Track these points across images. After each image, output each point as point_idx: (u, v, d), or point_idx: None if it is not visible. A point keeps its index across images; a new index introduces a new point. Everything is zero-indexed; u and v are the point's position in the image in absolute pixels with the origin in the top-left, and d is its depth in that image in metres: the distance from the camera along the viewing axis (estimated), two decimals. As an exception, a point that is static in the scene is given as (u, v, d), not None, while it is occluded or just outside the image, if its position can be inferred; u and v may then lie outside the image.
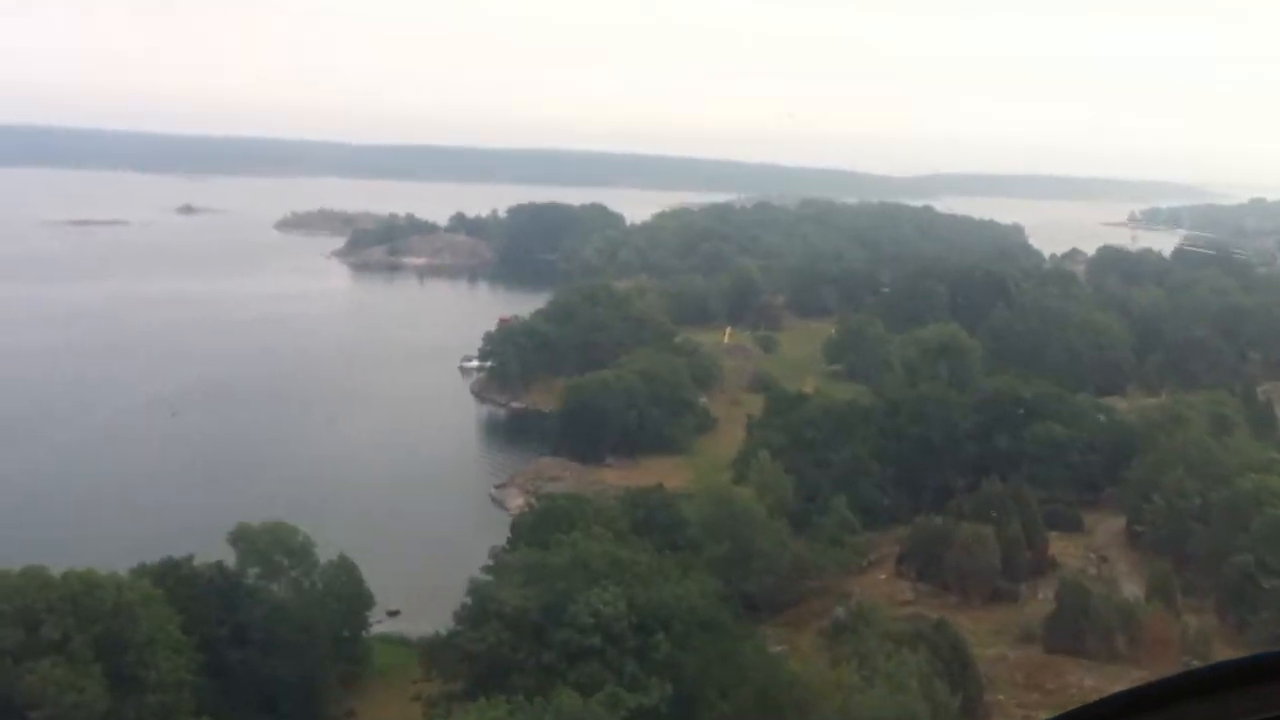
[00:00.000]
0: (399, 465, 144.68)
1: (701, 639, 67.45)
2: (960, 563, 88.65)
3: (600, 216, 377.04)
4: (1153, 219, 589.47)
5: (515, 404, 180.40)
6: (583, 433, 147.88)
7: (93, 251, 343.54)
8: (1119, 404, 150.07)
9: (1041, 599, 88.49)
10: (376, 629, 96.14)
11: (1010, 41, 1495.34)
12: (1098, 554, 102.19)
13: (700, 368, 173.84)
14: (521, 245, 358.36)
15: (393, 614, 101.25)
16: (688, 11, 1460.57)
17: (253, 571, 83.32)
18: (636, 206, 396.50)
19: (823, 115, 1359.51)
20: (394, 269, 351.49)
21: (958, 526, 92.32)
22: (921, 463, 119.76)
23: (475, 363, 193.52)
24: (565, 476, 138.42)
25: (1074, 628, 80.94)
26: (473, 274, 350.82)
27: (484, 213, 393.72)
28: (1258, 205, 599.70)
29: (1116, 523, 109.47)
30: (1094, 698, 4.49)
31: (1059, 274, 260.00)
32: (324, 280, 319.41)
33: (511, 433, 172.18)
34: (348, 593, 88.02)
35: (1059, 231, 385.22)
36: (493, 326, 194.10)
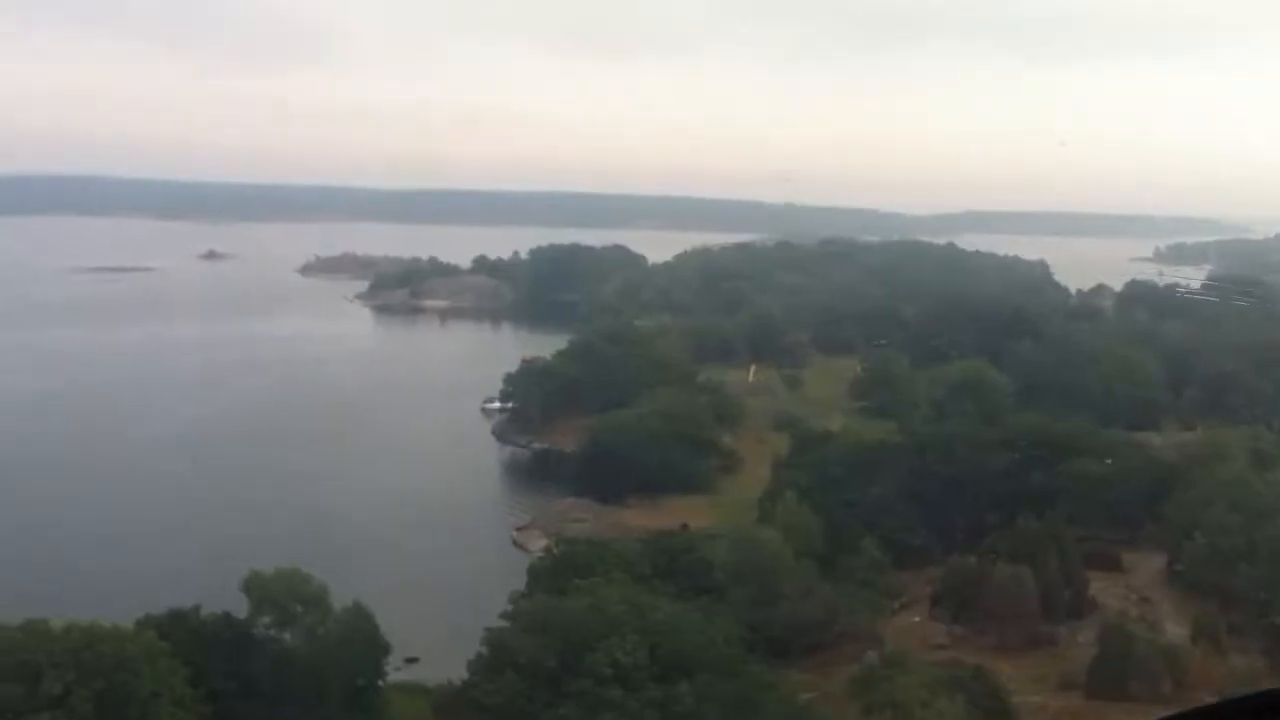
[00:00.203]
0: (419, 507, 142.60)
1: (726, 689, 64.30)
2: (997, 605, 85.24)
3: (622, 257, 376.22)
4: (1179, 254, 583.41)
5: (537, 444, 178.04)
6: (604, 473, 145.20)
7: (119, 298, 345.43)
8: (1152, 439, 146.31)
9: (1082, 642, 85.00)
10: (394, 677, 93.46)
11: (1029, 78, 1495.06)
12: (1138, 594, 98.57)
13: (723, 406, 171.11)
14: (543, 286, 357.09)
15: (411, 661, 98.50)
16: (707, 54, 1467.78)
17: (265, 620, 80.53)
18: (658, 247, 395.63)
19: (843, 155, 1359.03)
20: (416, 311, 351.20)
21: (993, 567, 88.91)
22: (952, 501, 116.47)
23: (497, 404, 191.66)
24: (587, 518, 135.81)
25: (1117, 673, 77.49)
26: (494, 316, 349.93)
27: (506, 255, 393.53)
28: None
29: (1156, 561, 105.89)
30: None
31: (1087, 309, 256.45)
32: (346, 323, 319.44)
33: (533, 474, 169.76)
34: (363, 640, 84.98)
35: (1084, 267, 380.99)
36: (514, 368, 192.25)
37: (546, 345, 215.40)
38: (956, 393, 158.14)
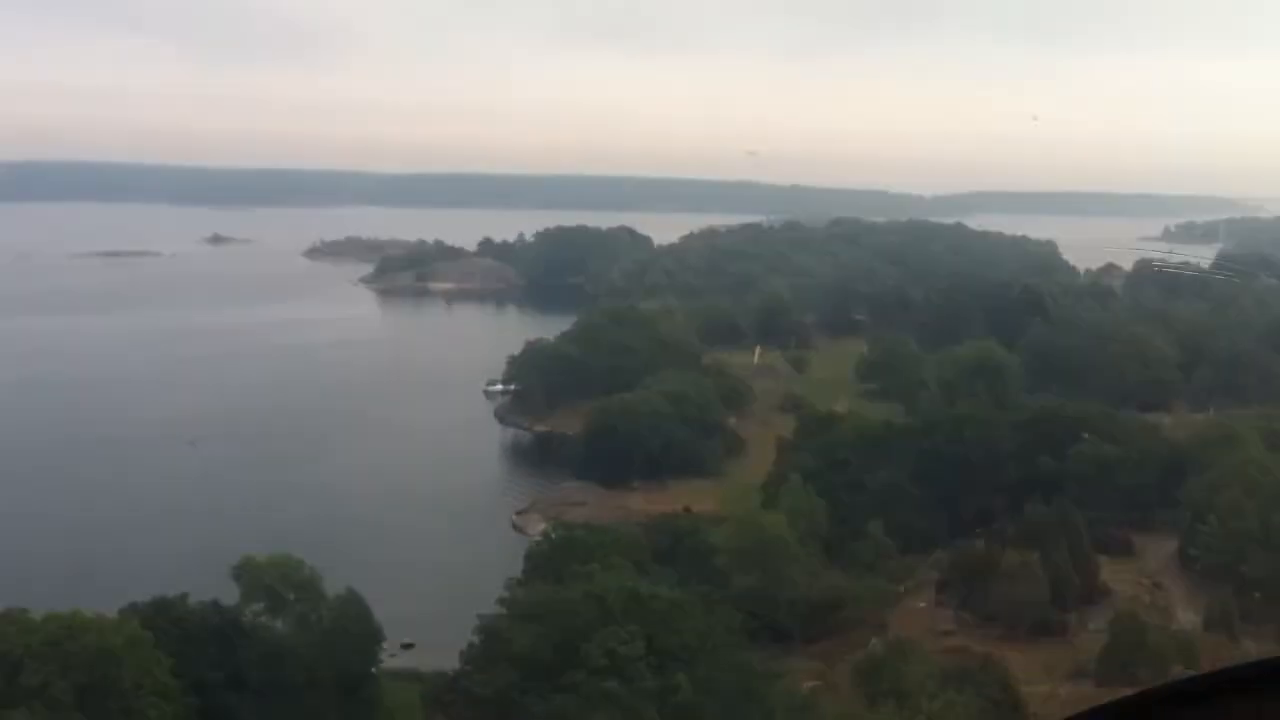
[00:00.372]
0: (419, 491, 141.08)
1: (726, 680, 62.20)
2: (1006, 592, 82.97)
3: (628, 239, 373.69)
4: (1188, 233, 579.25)
5: (539, 427, 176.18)
6: (607, 456, 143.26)
7: (120, 283, 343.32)
8: (1164, 421, 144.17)
9: (1092, 630, 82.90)
10: (390, 663, 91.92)
11: (1037, 59, 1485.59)
12: (1150, 580, 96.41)
13: (729, 389, 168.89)
14: (549, 269, 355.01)
15: (407, 646, 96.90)
16: (714, 38, 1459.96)
17: (256, 607, 78.72)
18: (665, 230, 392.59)
19: (852, 136, 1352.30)
20: (421, 294, 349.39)
21: (1002, 553, 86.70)
22: (960, 485, 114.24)
23: (499, 386, 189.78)
24: (589, 501, 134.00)
25: (1129, 661, 75.28)
26: (500, 298, 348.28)
27: (512, 238, 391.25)
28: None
29: (1168, 546, 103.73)
30: None
31: (1097, 289, 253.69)
32: (350, 306, 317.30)
33: (535, 457, 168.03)
34: (356, 627, 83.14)
35: (1093, 247, 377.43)
36: (518, 350, 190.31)
37: (552, 327, 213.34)
38: (966, 374, 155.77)
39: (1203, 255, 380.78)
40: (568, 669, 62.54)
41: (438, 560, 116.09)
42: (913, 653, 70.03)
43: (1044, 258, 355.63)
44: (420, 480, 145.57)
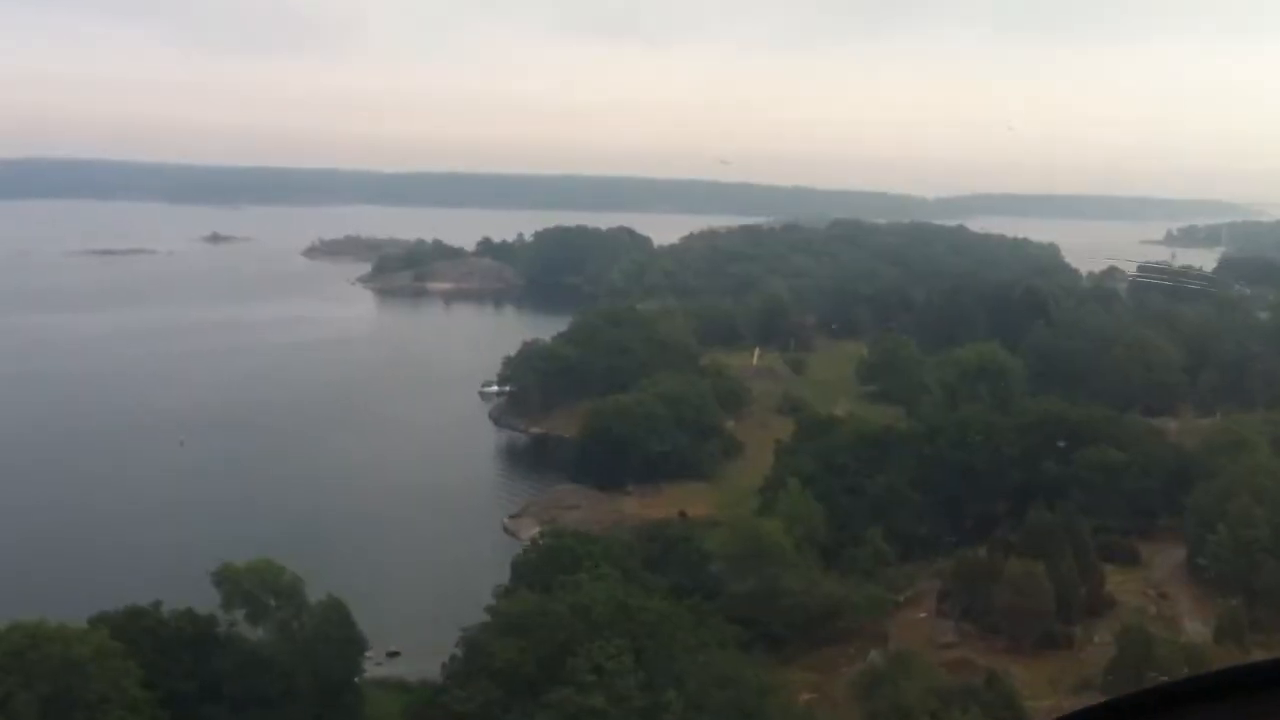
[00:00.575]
0: (411, 493, 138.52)
1: (719, 696, 59.45)
2: (1010, 602, 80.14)
3: (627, 240, 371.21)
4: (1190, 237, 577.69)
5: (535, 429, 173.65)
6: (603, 459, 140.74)
7: (114, 281, 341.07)
8: (1169, 425, 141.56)
9: (1098, 642, 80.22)
10: (375, 671, 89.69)
11: (1040, 61, 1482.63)
12: (1157, 590, 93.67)
13: (727, 390, 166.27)
14: (548, 269, 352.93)
15: (392, 655, 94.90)
16: (715, 38, 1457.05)
17: (230, 615, 76.15)
18: (665, 230, 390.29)
19: (852, 138, 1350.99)
20: (419, 294, 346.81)
21: (1005, 561, 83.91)
22: (962, 490, 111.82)
23: (494, 387, 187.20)
24: (582, 505, 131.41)
25: (1136, 674, 72.62)
26: (498, 298, 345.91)
27: (511, 238, 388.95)
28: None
29: (1175, 554, 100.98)
30: None
31: (1101, 291, 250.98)
32: (347, 305, 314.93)
33: (530, 459, 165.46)
34: (338, 635, 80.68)
35: (1095, 250, 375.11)
36: (515, 350, 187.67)
37: (550, 328, 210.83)
38: (968, 377, 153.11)
39: (1205, 259, 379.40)
40: (552, 684, 59.77)
41: (428, 566, 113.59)
42: (914, 666, 67.35)
43: (1046, 260, 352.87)
44: (412, 484, 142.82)
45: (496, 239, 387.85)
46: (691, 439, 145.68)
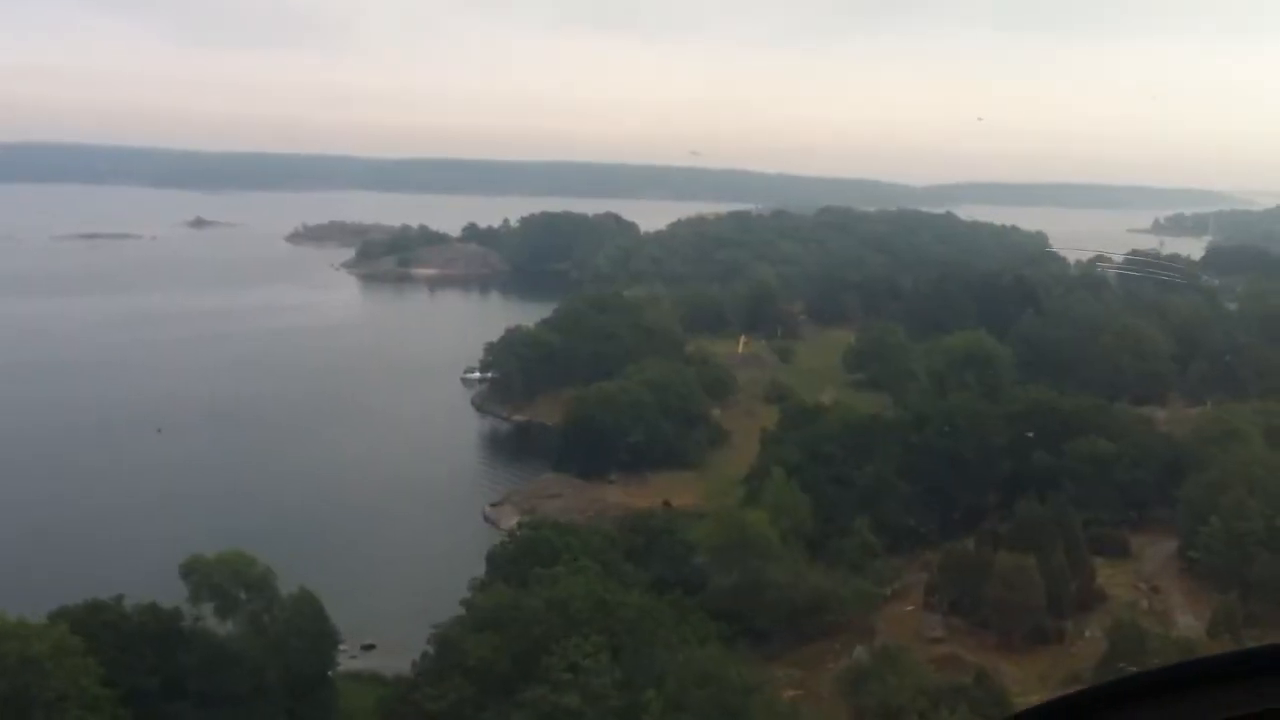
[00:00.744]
0: (390, 482, 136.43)
1: (700, 695, 57.31)
2: (999, 597, 78.16)
3: (614, 226, 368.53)
4: (1178, 226, 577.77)
5: (517, 417, 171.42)
6: (586, 447, 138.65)
7: (98, 265, 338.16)
8: (1158, 414, 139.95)
9: (1089, 637, 78.42)
10: (350, 665, 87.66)
11: (1027, 50, 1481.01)
12: (1148, 584, 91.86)
13: (713, 378, 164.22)
14: (534, 255, 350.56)
15: (368, 648, 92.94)
16: (704, 27, 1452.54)
17: (199, 609, 73.87)
18: (653, 217, 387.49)
19: (842, 126, 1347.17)
20: (403, 280, 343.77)
21: (994, 554, 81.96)
22: (951, 480, 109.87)
23: (477, 374, 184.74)
24: (565, 494, 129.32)
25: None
26: (484, 284, 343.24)
27: (498, 224, 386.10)
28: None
29: (1166, 546, 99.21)
30: None
31: (1089, 279, 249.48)
32: (330, 292, 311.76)
33: (512, 447, 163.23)
34: (310, 628, 78.48)
35: (1083, 239, 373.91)
36: (499, 336, 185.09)
37: (536, 314, 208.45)
38: (956, 364, 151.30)
39: (1193, 248, 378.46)
40: (527, 682, 57.68)
41: (405, 557, 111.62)
42: (901, 663, 65.32)
43: (1034, 248, 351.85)
44: (390, 471, 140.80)
45: (484, 225, 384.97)
46: (677, 427, 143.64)
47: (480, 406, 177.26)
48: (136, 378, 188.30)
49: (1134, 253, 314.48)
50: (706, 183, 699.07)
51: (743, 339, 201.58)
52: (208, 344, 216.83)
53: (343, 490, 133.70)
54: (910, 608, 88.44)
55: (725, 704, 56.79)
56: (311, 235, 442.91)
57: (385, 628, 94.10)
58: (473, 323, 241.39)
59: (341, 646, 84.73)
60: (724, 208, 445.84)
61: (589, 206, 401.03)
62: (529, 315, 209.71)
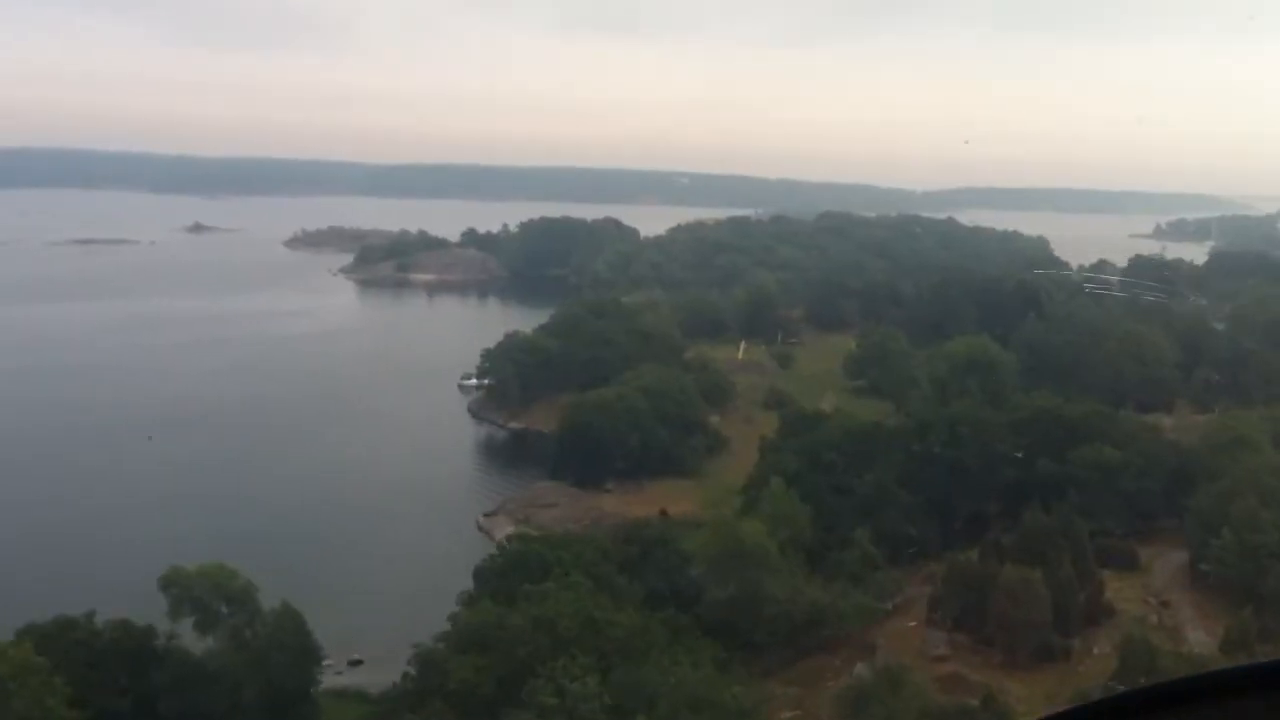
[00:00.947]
0: (383, 491, 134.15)
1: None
2: (1005, 613, 75.30)
3: (614, 231, 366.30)
4: (1180, 231, 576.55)
5: (514, 424, 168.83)
6: (583, 455, 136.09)
7: (95, 271, 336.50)
8: (1164, 421, 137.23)
9: (1098, 654, 75.72)
10: (336, 680, 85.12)
11: (1028, 55, 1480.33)
12: (1158, 598, 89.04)
13: (711, 384, 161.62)
14: (532, 260, 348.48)
15: (355, 663, 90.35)
16: (705, 31, 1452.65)
17: (174, 624, 71.30)
18: (652, 222, 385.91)
19: (841, 129, 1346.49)
20: (402, 285, 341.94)
21: (999, 567, 79.15)
22: (953, 489, 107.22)
23: (474, 380, 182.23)
24: (560, 503, 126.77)
25: (1139, 689, 68.17)
26: (482, 289, 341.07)
27: (497, 229, 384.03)
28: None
29: (1175, 558, 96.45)
30: None
31: (1093, 284, 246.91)
32: (328, 297, 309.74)
33: (508, 455, 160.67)
34: (293, 644, 75.88)
35: (1085, 244, 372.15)
36: (496, 343, 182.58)
37: (533, 319, 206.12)
38: (958, 370, 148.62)
39: (1195, 253, 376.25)
40: (512, 706, 55.08)
41: (395, 570, 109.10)
42: (904, 682, 62.73)
43: (1036, 253, 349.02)
44: (384, 479, 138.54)
45: (483, 230, 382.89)
46: (674, 434, 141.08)
47: (477, 413, 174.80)
48: (135, 381, 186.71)
49: (1137, 258, 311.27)
50: (706, 188, 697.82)
51: (742, 345, 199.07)
52: (205, 349, 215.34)
53: (337, 497, 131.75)
54: (913, 623, 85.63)
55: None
56: (310, 240, 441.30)
57: (374, 642, 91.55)
58: (471, 328, 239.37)
59: (327, 662, 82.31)
60: (724, 213, 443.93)
61: (588, 211, 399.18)
62: (527, 321, 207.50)
